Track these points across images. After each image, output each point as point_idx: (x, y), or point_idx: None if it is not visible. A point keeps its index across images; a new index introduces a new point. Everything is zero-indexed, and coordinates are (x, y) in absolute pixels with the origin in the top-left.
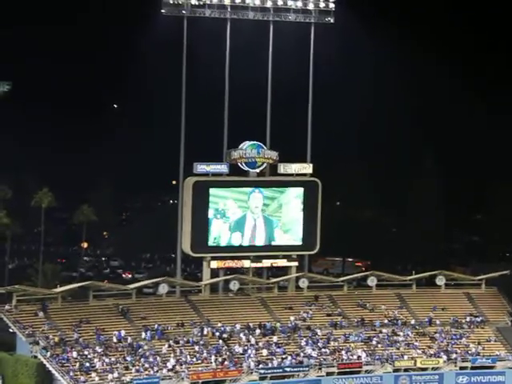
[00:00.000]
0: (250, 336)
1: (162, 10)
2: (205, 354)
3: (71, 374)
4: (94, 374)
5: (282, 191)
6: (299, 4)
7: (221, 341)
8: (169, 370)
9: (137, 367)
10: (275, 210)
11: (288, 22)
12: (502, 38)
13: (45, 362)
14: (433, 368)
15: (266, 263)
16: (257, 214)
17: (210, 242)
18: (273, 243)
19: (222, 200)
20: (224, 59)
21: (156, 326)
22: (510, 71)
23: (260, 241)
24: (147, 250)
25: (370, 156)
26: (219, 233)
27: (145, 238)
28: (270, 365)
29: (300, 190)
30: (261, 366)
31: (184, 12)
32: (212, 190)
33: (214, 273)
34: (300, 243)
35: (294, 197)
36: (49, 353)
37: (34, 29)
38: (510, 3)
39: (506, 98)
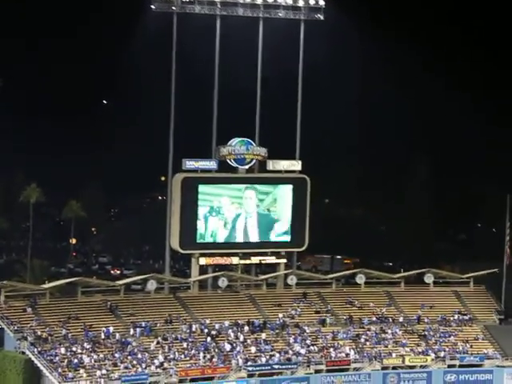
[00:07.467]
0: (239, 333)
1: (152, 6)
2: (193, 351)
3: (59, 370)
4: (82, 371)
5: (275, 185)
6: (289, 1)
7: (209, 338)
8: (157, 367)
9: (125, 364)
10: (270, 204)
11: (278, 18)
12: (494, 37)
13: (33, 358)
14: (421, 366)
15: (255, 260)
16: (250, 211)
17: (200, 239)
18: (263, 240)
19: (216, 197)
20: (213, 55)
21: (144, 322)
22: (502, 71)
23: (249, 238)
24: (136, 247)
25: (360, 153)
26: (212, 230)
27: (133, 235)
28: (258, 362)
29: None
30: (249, 363)
31: (174, 8)
32: (206, 188)
33: (203, 269)
34: (288, 240)
35: (288, 190)
36: (37, 349)
37: (25, 27)
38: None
39: (501, 98)
